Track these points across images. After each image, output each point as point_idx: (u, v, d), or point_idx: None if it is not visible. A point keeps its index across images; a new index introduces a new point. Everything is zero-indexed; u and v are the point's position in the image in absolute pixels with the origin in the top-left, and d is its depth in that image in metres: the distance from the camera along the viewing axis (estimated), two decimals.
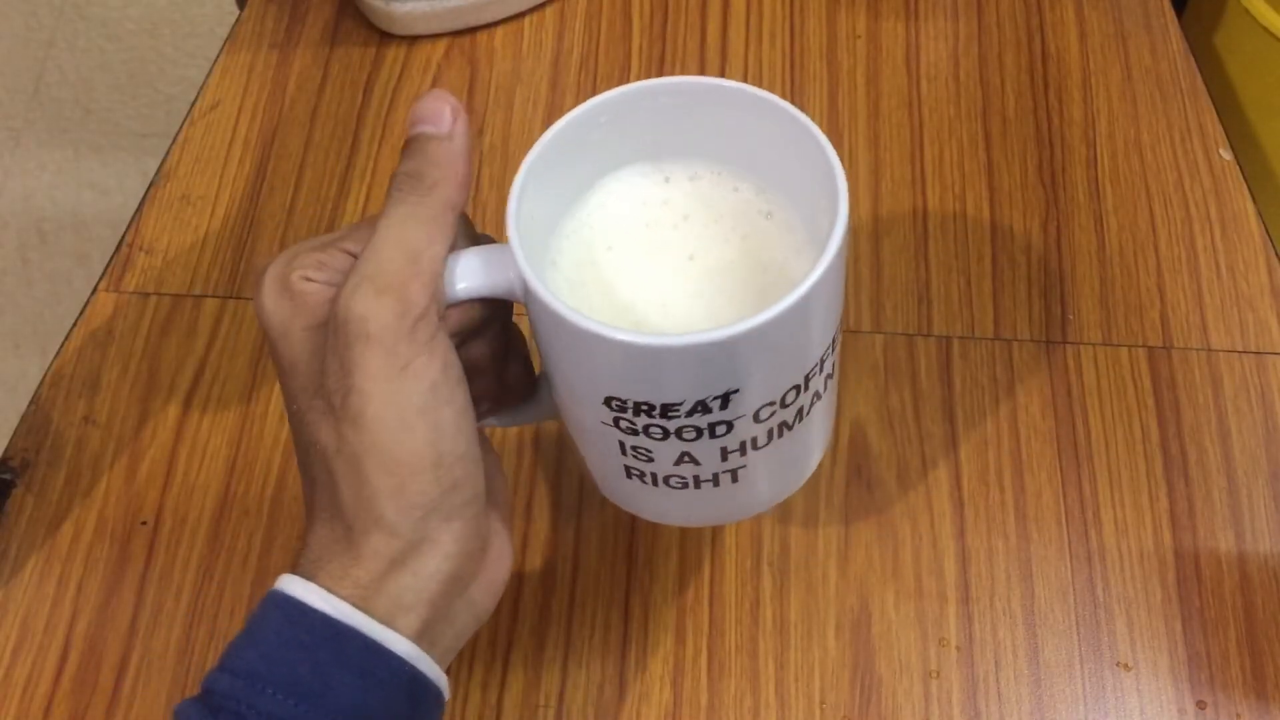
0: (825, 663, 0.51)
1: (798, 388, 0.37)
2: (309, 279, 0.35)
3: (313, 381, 0.35)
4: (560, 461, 0.56)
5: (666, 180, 0.41)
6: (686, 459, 0.38)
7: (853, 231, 0.58)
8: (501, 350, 0.39)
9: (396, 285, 0.34)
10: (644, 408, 0.36)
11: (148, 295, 0.61)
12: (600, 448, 0.39)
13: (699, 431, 0.37)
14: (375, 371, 0.33)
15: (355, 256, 0.35)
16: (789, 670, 0.51)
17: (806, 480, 0.44)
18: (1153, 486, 0.55)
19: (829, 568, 0.53)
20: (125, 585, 0.53)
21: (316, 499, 0.36)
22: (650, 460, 0.38)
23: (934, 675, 0.51)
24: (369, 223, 0.36)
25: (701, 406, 0.36)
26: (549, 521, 0.54)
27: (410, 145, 0.37)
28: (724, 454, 0.38)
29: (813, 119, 0.37)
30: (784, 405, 0.37)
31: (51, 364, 0.59)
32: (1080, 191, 0.64)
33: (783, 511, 0.54)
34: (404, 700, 0.34)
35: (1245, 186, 0.64)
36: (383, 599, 0.34)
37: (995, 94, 0.67)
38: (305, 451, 0.36)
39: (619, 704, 0.50)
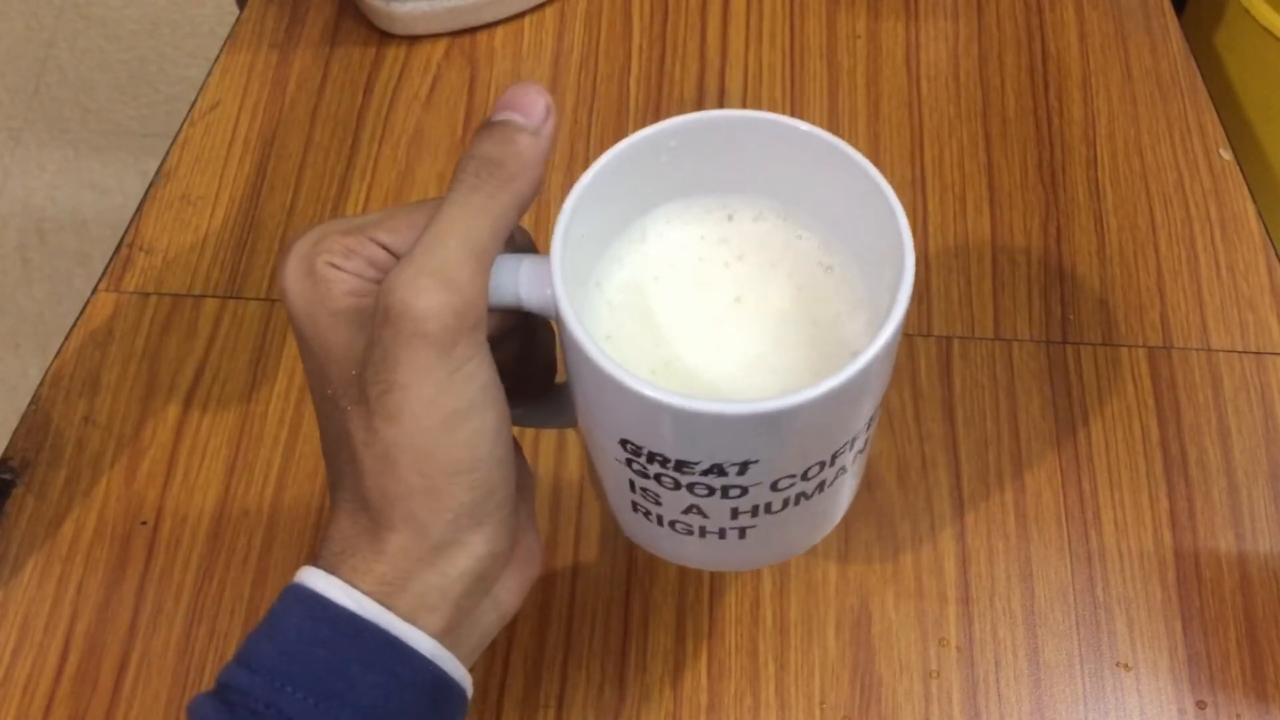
0: (825, 663, 0.51)
1: (822, 464, 0.36)
2: (334, 265, 0.34)
3: (346, 368, 0.34)
4: (560, 461, 0.56)
5: (730, 218, 0.39)
6: (695, 511, 0.37)
7: None
8: (522, 354, 0.39)
9: (460, 284, 0.32)
10: (658, 458, 0.35)
11: (148, 295, 0.61)
12: (611, 478, 0.38)
13: (711, 490, 0.35)
14: (424, 371, 0.32)
15: (386, 248, 0.34)
16: (789, 670, 0.51)
17: (815, 544, 0.43)
18: (1153, 486, 0.55)
19: (829, 568, 0.53)
20: (125, 585, 0.53)
21: (341, 489, 0.35)
22: (658, 504, 0.37)
23: (934, 675, 0.51)
24: (403, 211, 0.35)
25: (718, 469, 0.34)
26: (549, 521, 0.54)
27: (493, 130, 0.34)
28: (734, 513, 0.37)
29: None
30: (805, 478, 0.36)
31: (51, 364, 0.59)
32: (1080, 191, 0.64)
33: None
34: (427, 701, 0.34)
35: (1245, 186, 0.64)
36: (407, 596, 0.33)
37: (995, 94, 0.67)
38: (333, 439, 0.35)
39: (619, 704, 0.50)
